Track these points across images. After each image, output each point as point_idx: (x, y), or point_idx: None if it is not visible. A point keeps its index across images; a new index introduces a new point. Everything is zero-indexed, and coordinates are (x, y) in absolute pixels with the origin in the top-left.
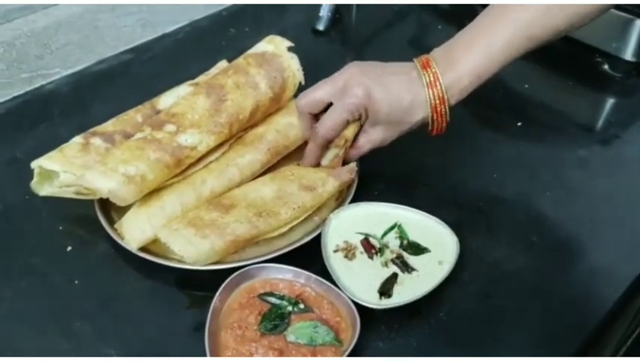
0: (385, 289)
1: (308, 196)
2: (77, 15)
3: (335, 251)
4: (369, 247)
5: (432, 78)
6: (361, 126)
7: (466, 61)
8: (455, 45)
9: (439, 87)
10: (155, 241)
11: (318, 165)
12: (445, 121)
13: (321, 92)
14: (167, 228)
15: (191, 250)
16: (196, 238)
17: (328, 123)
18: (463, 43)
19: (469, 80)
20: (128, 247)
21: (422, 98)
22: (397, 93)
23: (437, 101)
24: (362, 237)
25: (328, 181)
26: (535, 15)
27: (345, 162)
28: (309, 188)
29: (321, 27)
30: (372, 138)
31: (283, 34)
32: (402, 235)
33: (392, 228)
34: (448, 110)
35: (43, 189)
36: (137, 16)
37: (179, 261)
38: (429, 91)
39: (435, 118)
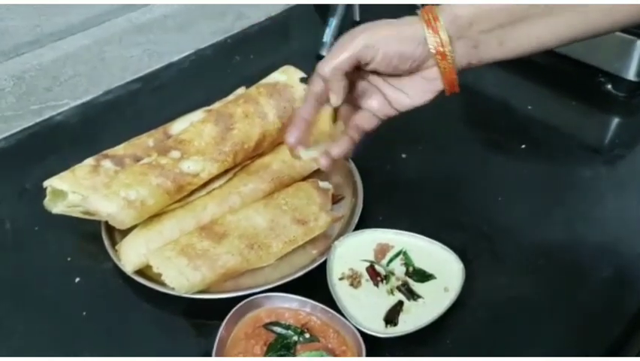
0: (391, 318)
1: (300, 230)
2: (84, 47)
3: (340, 279)
4: (375, 275)
5: (426, 7)
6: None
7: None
8: None
9: (432, 10)
10: None
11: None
12: (446, 47)
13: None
14: (160, 255)
15: (183, 282)
16: (188, 269)
17: (328, 57)
18: None
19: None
20: (124, 270)
21: (415, 18)
22: (399, 29)
23: (430, 19)
24: (367, 264)
25: (321, 216)
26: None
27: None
28: (302, 222)
29: (324, 52)
30: (376, 59)
31: (287, 60)
32: (407, 262)
33: (397, 255)
34: (443, 25)
35: (55, 206)
36: (143, 47)
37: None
38: (422, 15)
39: (431, 34)
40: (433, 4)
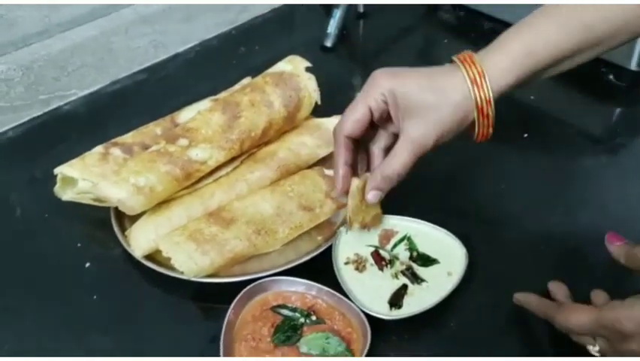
0: (395, 300)
1: (306, 217)
2: (92, 38)
3: (346, 263)
4: (380, 259)
5: (466, 56)
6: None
7: (510, 43)
8: (498, 37)
9: (475, 63)
10: None
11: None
12: (489, 104)
13: (353, 104)
14: (169, 240)
15: (192, 266)
16: (196, 254)
17: (348, 114)
18: (508, 31)
19: (513, 58)
20: (134, 255)
21: (458, 75)
22: (429, 75)
23: (475, 75)
24: (372, 249)
25: (326, 203)
26: (590, 6)
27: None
28: (308, 208)
29: (328, 43)
30: (410, 137)
31: (292, 51)
32: (411, 247)
33: (402, 240)
34: (489, 87)
35: (65, 193)
36: (149, 38)
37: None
38: (464, 66)
39: (477, 94)
40: (469, 54)
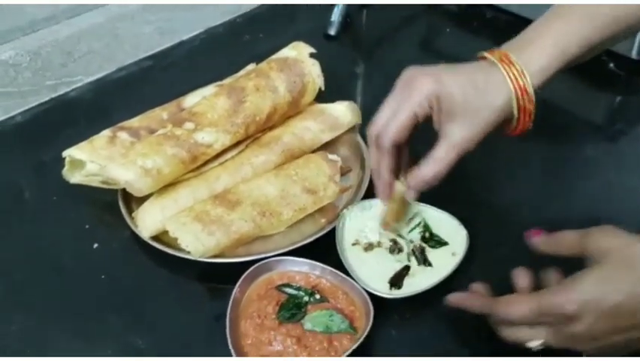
0: (395, 281)
1: (310, 199)
2: (98, 25)
3: (353, 245)
4: (395, 246)
5: (502, 56)
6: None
7: (541, 39)
8: (524, 32)
9: (514, 62)
10: None
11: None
12: (532, 103)
13: (386, 107)
14: (175, 221)
15: (198, 246)
16: (203, 234)
17: (395, 121)
18: (533, 28)
19: (549, 55)
20: (141, 235)
21: (498, 77)
22: (468, 75)
23: (516, 75)
24: (376, 231)
25: (329, 186)
26: None
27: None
28: (311, 191)
29: (332, 32)
30: (453, 139)
31: (296, 38)
32: (425, 228)
33: (418, 225)
34: (531, 89)
35: (73, 177)
36: (155, 25)
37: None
38: (503, 66)
39: (520, 96)
40: (504, 52)
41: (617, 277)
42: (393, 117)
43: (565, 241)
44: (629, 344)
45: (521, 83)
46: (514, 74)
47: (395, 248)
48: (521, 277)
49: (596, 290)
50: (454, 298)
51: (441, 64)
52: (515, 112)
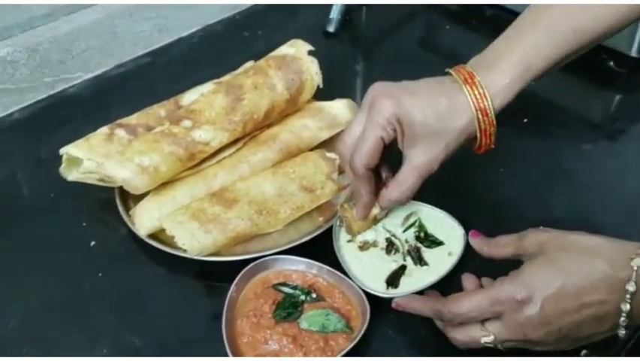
0: (392, 280)
1: (307, 198)
2: (97, 21)
3: (349, 241)
4: (391, 246)
5: (467, 76)
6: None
7: (507, 57)
8: (492, 46)
9: (477, 83)
10: None
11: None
12: (492, 125)
13: (355, 124)
14: (172, 219)
15: (194, 244)
16: (199, 233)
17: (363, 146)
18: (502, 42)
19: (512, 75)
20: (138, 233)
21: (461, 99)
22: (430, 97)
23: (478, 98)
24: (372, 231)
25: (327, 185)
26: (579, 8)
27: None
28: (309, 190)
29: (331, 29)
30: (415, 162)
31: (295, 36)
32: (420, 228)
33: (413, 224)
34: (492, 109)
35: (70, 174)
36: (153, 22)
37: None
38: (466, 88)
39: (481, 118)
40: (470, 72)
41: (558, 262)
42: (361, 141)
43: (502, 242)
44: (583, 326)
45: (482, 105)
46: (476, 97)
47: (392, 249)
48: (469, 280)
49: (540, 276)
50: (403, 302)
51: (404, 81)
52: (478, 134)
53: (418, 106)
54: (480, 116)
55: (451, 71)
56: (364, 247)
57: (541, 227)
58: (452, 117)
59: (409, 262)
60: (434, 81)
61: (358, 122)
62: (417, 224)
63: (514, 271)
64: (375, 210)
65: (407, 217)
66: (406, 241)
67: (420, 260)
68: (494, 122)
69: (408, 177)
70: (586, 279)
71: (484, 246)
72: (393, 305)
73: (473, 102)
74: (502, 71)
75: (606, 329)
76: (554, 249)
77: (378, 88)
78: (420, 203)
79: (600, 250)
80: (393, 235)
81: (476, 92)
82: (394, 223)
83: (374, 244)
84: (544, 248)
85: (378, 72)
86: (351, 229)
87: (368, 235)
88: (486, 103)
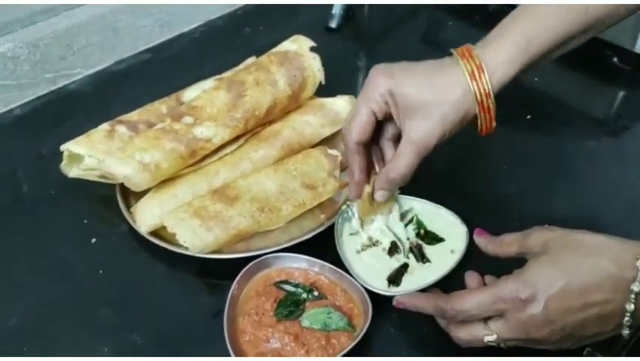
0: (394, 278)
1: (309, 195)
2: (98, 16)
3: (351, 236)
4: (394, 250)
5: (464, 51)
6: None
7: (508, 33)
8: (496, 27)
9: (473, 57)
10: None
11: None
12: (489, 98)
13: (352, 108)
14: (174, 216)
15: (196, 242)
16: (201, 230)
17: (354, 121)
18: (505, 20)
19: (513, 49)
20: (139, 231)
21: (457, 72)
22: (426, 72)
23: (474, 69)
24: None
25: (329, 182)
26: None
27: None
28: (311, 187)
29: (333, 25)
30: (411, 136)
31: (297, 32)
32: (419, 226)
33: (410, 222)
34: (490, 83)
35: (71, 170)
36: (154, 17)
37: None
38: (463, 61)
39: (477, 91)
40: (468, 47)
41: (562, 261)
42: (353, 116)
43: (506, 241)
44: (587, 325)
45: (477, 75)
46: (471, 68)
47: (394, 252)
48: (472, 278)
49: (544, 275)
50: (406, 300)
51: (404, 61)
52: (475, 108)
53: (412, 79)
54: (476, 88)
55: (452, 50)
56: (367, 245)
57: (546, 225)
58: (447, 90)
59: (412, 259)
60: (433, 61)
61: (356, 103)
62: (414, 221)
63: (519, 270)
64: (368, 189)
65: (404, 215)
66: (408, 239)
67: (422, 257)
68: (491, 94)
69: (404, 152)
70: (590, 278)
71: (489, 244)
72: (394, 303)
73: (468, 71)
74: (502, 45)
75: (610, 328)
76: (559, 248)
77: (376, 67)
78: (418, 199)
79: (605, 250)
80: (399, 240)
81: (472, 64)
82: (400, 226)
83: (375, 244)
84: (548, 247)
85: None
86: (362, 218)
87: (374, 233)
88: (482, 76)
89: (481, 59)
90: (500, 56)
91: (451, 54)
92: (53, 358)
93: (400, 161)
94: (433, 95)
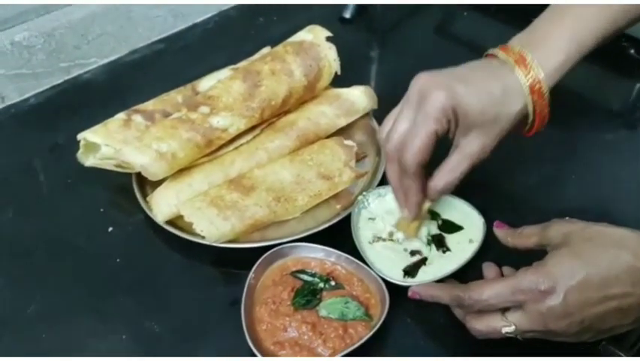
0: (410, 270)
1: (325, 185)
2: (112, 6)
3: (369, 224)
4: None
5: (517, 57)
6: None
7: (557, 34)
8: (536, 24)
9: (531, 66)
10: None
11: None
12: (547, 107)
13: (402, 120)
14: (190, 205)
15: (213, 231)
16: (218, 219)
17: (415, 142)
18: (547, 18)
19: (565, 53)
20: (156, 220)
21: (514, 81)
22: (483, 82)
23: (533, 80)
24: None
25: (345, 172)
26: None
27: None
28: (327, 177)
29: (347, 15)
30: (467, 150)
31: (310, 22)
32: (433, 217)
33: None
34: (547, 93)
35: (88, 160)
36: (168, 7)
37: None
38: (520, 71)
39: (536, 101)
40: (520, 53)
41: (582, 253)
42: (413, 137)
43: (526, 233)
44: (606, 318)
45: (537, 87)
46: (531, 78)
47: (415, 252)
48: (490, 269)
49: (564, 266)
50: (418, 289)
51: (449, 68)
52: (531, 116)
53: (473, 94)
54: (535, 98)
55: (495, 52)
56: (385, 236)
57: (566, 218)
58: (507, 102)
59: (432, 248)
60: (480, 65)
61: (405, 117)
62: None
63: (538, 262)
64: (427, 206)
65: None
66: (429, 233)
67: (442, 245)
68: (548, 106)
69: (459, 165)
70: (610, 271)
71: (509, 236)
72: (410, 294)
73: (529, 87)
74: (554, 49)
75: (629, 321)
76: (579, 240)
77: (424, 79)
78: None
79: (626, 242)
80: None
81: (531, 74)
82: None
83: (392, 235)
84: (568, 239)
85: (396, 59)
86: (409, 231)
87: (388, 224)
88: (541, 85)
89: (537, 65)
90: (553, 63)
91: (486, 55)
92: (53, 358)
93: (453, 173)
94: (494, 111)
